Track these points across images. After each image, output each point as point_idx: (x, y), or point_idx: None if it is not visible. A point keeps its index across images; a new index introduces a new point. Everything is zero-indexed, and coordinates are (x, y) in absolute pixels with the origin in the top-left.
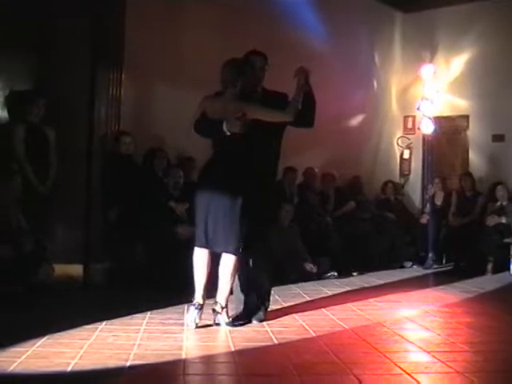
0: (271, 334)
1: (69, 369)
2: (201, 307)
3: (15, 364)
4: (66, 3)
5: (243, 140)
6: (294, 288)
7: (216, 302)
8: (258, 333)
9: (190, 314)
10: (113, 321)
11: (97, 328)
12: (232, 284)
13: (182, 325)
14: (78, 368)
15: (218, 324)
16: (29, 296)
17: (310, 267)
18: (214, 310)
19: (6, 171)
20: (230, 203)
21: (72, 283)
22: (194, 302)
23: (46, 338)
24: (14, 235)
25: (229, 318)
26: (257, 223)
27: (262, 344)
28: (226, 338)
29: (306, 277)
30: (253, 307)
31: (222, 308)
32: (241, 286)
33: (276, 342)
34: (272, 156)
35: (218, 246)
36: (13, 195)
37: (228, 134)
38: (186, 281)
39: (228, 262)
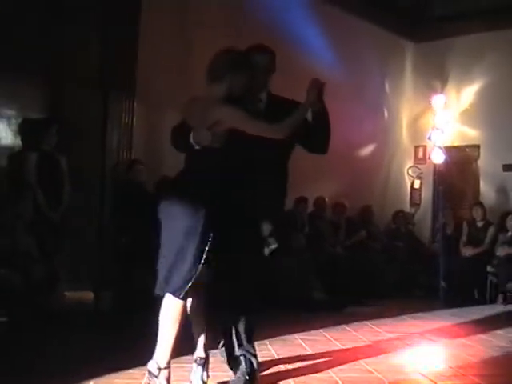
0: None
1: None
2: (204, 361)
3: None
4: (78, 32)
5: (218, 156)
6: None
7: (151, 361)
8: None
9: (194, 373)
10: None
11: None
12: (174, 338)
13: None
14: None
15: None
16: (36, 324)
17: (320, 296)
18: (148, 372)
19: (18, 197)
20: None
21: (82, 310)
22: (195, 356)
23: None
24: (23, 260)
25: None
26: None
27: None
28: None
29: (316, 306)
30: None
31: (160, 370)
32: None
33: None
34: (271, 184)
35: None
36: (22, 220)
37: (196, 147)
38: None
39: (167, 306)
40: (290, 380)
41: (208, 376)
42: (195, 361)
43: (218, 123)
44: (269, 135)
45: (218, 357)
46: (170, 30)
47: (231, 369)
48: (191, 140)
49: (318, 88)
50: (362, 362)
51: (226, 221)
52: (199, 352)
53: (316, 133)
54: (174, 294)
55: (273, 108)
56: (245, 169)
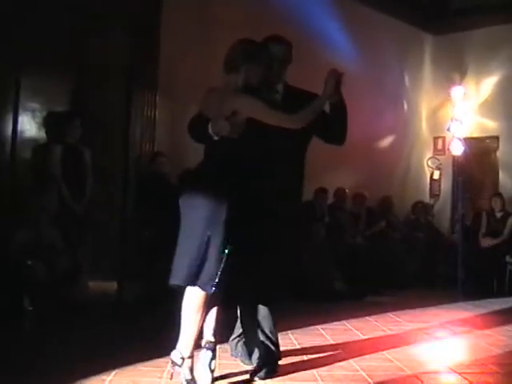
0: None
1: None
2: (214, 346)
3: None
4: (101, 27)
5: (237, 146)
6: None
7: (175, 351)
8: None
9: (201, 359)
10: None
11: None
12: (198, 328)
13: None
14: None
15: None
16: (60, 314)
17: (341, 286)
18: (171, 361)
19: (42, 189)
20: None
21: (106, 300)
22: (203, 342)
23: None
24: (47, 252)
25: (192, 374)
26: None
27: None
28: None
29: (337, 296)
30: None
31: (183, 359)
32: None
33: None
34: (289, 174)
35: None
36: (47, 212)
37: (216, 138)
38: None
39: (191, 297)
40: (313, 370)
41: (214, 367)
42: (204, 346)
43: (236, 113)
44: (286, 125)
45: (226, 348)
46: (192, 26)
47: (249, 358)
48: (210, 130)
49: (336, 79)
50: (382, 351)
51: (246, 211)
52: (208, 336)
53: (333, 124)
54: (203, 288)
55: (289, 99)
56: (263, 159)
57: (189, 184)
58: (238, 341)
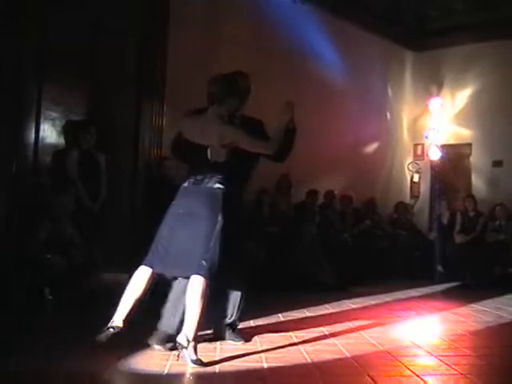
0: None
1: None
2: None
3: None
4: (114, 42)
5: (223, 168)
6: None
7: (181, 334)
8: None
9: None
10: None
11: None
12: (201, 314)
13: None
14: None
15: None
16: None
17: (329, 278)
18: (178, 344)
19: (61, 190)
20: (208, 229)
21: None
22: (113, 324)
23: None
24: (66, 247)
25: (197, 355)
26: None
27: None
28: None
29: (325, 287)
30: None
31: (189, 342)
32: None
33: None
34: (240, 188)
35: (185, 269)
36: (66, 211)
37: (211, 162)
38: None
39: (197, 286)
40: (299, 346)
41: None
42: (112, 328)
43: (232, 143)
44: (264, 152)
45: None
46: (197, 40)
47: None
48: (209, 157)
49: (291, 109)
50: (365, 335)
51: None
52: (118, 321)
53: (285, 147)
54: (209, 277)
55: (245, 126)
56: (240, 175)
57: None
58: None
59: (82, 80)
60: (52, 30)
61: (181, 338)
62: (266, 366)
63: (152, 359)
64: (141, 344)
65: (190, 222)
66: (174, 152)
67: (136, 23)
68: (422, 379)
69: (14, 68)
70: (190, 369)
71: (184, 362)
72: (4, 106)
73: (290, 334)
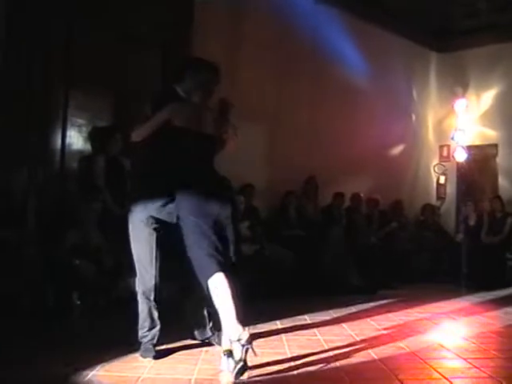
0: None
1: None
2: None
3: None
4: (138, 51)
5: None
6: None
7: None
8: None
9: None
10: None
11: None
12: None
13: None
14: None
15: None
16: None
17: (356, 281)
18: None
19: (88, 196)
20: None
21: None
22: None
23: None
24: (94, 252)
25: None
26: None
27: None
28: None
29: (352, 290)
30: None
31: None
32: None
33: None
34: None
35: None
36: (93, 217)
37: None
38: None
39: (224, 281)
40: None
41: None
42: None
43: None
44: None
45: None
46: (221, 44)
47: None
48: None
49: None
50: (393, 337)
51: None
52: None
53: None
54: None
55: None
56: None
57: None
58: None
59: (107, 86)
60: (78, 36)
61: (225, 344)
62: (294, 369)
63: (181, 363)
64: (170, 349)
65: (222, 212)
66: (150, 139)
67: (160, 29)
68: (450, 382)
69: (41, 76)
70: (218, 374)
71: (213, 366)
72: (32, 113)
73: (318, 337)
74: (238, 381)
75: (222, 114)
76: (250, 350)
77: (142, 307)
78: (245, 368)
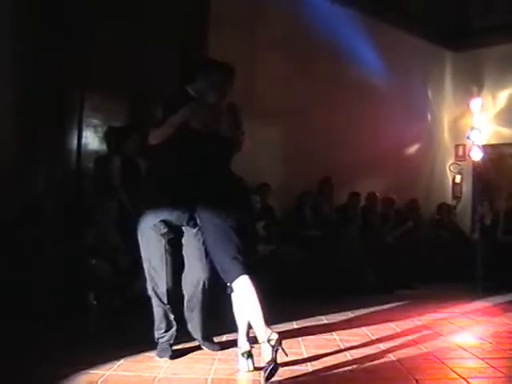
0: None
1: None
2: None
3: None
4: (153, 52)
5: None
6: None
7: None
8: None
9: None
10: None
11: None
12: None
13: None
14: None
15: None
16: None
17: (373, 281)
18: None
19: (104, 196)
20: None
21: None
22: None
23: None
24: (110, 252)
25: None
26: None
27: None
28: None
29: (369, 290)
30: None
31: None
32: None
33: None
34: None
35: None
36: (109, 217)
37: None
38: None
39: (244, 284)
40: (346, 352)
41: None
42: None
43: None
44: None
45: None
46: (238, 43)
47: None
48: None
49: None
50: (409, 337)
51: None
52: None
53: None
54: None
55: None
56: None
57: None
58: None
59: (123, 87)
60: (93, 37)
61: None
62: (311, 369)
63: (198, 363)
64: (187, 349)
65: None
66: (169, 142)
67: (176, 28)
68: (467, 382)
69: (57, 76)
70: (235, 374)
71: (230, 365)
72: (48, 114)
73: (335, 336)
74: (269, 382)
75: (233, 117)
76: (280, 351)
77: (157, 310)
78: (276, 369)
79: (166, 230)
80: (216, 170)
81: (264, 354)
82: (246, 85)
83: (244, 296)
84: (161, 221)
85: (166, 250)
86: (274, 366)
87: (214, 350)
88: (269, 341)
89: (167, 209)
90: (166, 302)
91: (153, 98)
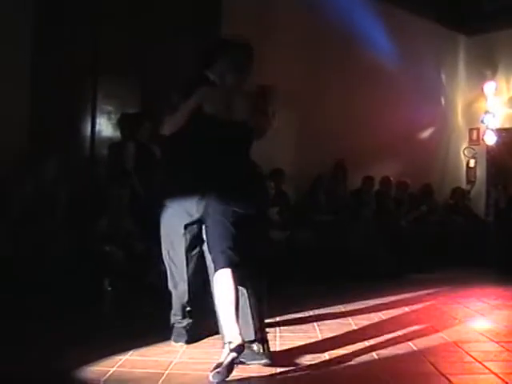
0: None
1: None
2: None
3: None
4: (168, 40)
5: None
6: None
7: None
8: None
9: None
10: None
11: None
12: None
13: None
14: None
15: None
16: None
17: (388, 265)
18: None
19: (118, 182)
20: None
21: None
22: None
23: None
24: (124, 239)
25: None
26: None
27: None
28: None
29: (383, 274)
30: None
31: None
32: None
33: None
34: None
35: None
36: (123, 203)
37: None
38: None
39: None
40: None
41: None
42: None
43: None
44: None
45: None
46: (251, 34)
47: None
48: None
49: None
50: (424, 321)
51: None
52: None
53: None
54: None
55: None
56: None
57: None
58: None
59: (136, 73)
60: (106, 24)
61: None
62: (327, 357)
63: (213, 347)
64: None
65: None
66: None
67: (189, 13)
68: (483, 365)
69: (70, 63)
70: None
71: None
72: (62, 101)
73: (350, 321)
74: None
75: (261, 101)
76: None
77: (175, 301)
78: (220, 374)
79: (189, 222)
80: (228, 158)
81: (221, 355)
82: (258, 69)
83: (220, 290)
84: (186, 212)
85: (189, 246)
86: (219, 371)
87: None
88: (229, 343)
89: (189, 201)
90: (185, 301)
91: (166, 85)
